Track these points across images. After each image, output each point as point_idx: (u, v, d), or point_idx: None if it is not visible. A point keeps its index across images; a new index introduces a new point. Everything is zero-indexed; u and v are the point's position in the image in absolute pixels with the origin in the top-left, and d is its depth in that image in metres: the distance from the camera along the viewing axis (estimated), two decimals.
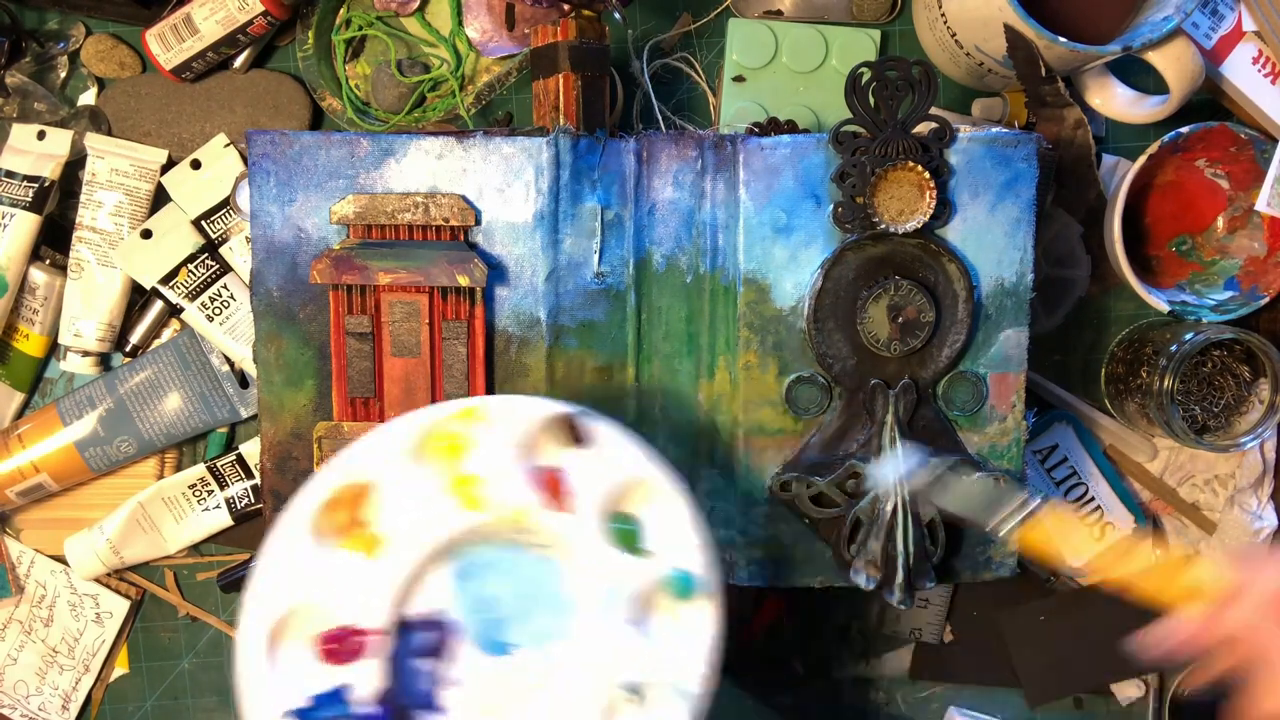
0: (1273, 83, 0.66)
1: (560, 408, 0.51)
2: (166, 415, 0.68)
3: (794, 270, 0.56)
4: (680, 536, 0.50)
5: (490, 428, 0.50)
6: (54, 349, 0.70)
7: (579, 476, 0.50)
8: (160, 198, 0.69)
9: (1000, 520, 0.52)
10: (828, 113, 0.68)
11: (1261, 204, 0.64)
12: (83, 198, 0.67)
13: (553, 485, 0.50)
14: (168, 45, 0.66)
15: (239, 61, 0.68)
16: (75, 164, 0.68)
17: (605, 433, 0.51)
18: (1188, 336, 0.63)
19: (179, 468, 0.70)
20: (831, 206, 0.56)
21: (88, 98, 0.70)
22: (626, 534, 0.50)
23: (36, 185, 0.66)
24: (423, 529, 0.49)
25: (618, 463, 0.50)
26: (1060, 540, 0.51)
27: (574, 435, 0.51)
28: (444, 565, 0.50)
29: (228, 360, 0.69)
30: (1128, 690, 0.71)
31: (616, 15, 0.61)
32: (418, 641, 0.49)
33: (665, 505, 0.50)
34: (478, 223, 0.56)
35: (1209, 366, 0.67)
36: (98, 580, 0.70)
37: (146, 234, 0.67)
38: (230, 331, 0.68)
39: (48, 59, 0.69)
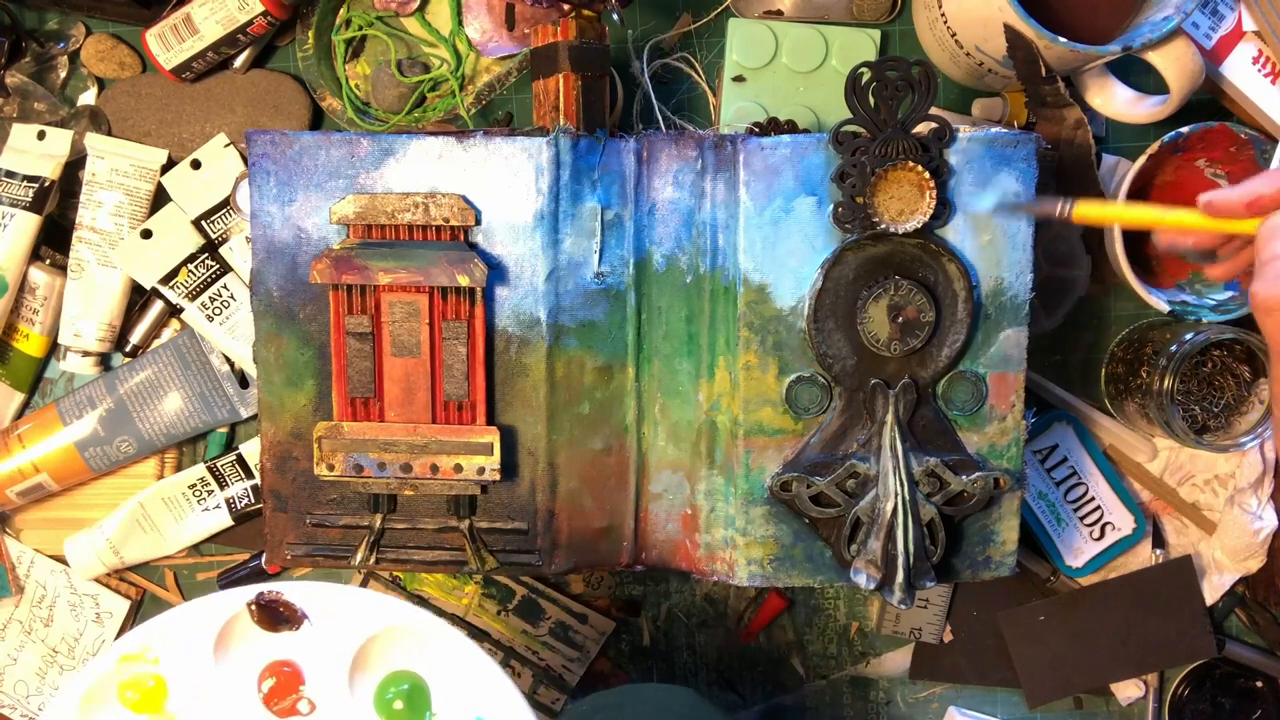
0: (1273, 83, 0.66)
1: (238, 599, 0.41)
2: (166, 415, 0.68)
3: (794, 270, 0.56)
4: (470, 680, 0.41)
5: (171, 654, 0.41)
6: (54, 349, 0.70)
7: (306, 662, 0.41)
8: (160, 198, 0.69)
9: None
10: (828, 113, 0.68)
11: None
12: (83, 198, 0.67)
13: (281, 686, 0.42)
14: (168, 45, 0.66)
15: (239, 61, 0.68)
16: (75, 164, 0.68)
17: (317, 596, 0.41)
18: (1188, 336, 0.63)
19: (179, 468, 0.70)
20: (831, 206, 0.55)
21: (88, 98, 0.70)
22: (402, 698, 0.41)
23: (36, 185, 0.66)
24: None
25: (351, 624, 0.42)
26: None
27: (279, 618, 0.42)
28: None
29: (228, 360, 0.69)
30: (1128, 690, 0.71)
31: (616, 15, 0.61)
32: None
33: (439, 649, 0.42)
34: (478, 223, 0.56)
35: (1209, 366, 0.67)
36: (98, 580, 0.70)
37: (146, 234, 0.67)
38: (230, 331, 0.68)
39: (48, 59, 0.69)
